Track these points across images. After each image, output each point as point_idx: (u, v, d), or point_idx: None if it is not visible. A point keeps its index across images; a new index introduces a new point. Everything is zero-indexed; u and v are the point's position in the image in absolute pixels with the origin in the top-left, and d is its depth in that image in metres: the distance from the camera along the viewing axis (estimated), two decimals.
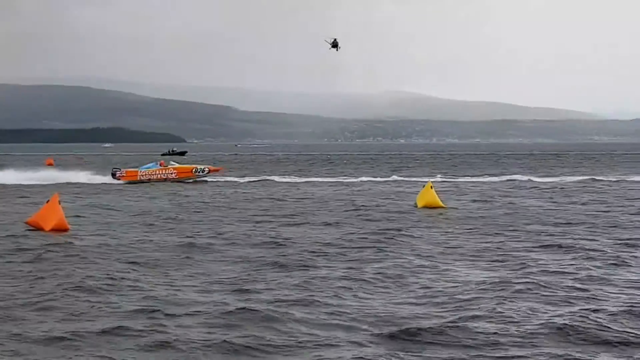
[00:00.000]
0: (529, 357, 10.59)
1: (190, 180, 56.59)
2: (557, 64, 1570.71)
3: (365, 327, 12.18)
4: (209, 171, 58.67)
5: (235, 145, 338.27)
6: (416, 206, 35.62)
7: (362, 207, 35.57)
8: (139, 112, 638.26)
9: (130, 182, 55.26)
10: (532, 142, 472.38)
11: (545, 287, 15.06)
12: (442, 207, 35.02)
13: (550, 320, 12.30)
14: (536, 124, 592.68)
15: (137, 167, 61.27)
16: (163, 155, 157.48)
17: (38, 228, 24.92)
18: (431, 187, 36.52)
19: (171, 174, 56.73)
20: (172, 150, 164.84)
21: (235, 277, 16.41)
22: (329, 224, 27.97)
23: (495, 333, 11.66)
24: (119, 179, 55.62)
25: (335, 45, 71.93)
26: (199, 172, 57.52)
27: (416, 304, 13.87)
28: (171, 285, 15.52)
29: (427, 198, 35.68)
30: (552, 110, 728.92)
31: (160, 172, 56.77)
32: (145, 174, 56.33)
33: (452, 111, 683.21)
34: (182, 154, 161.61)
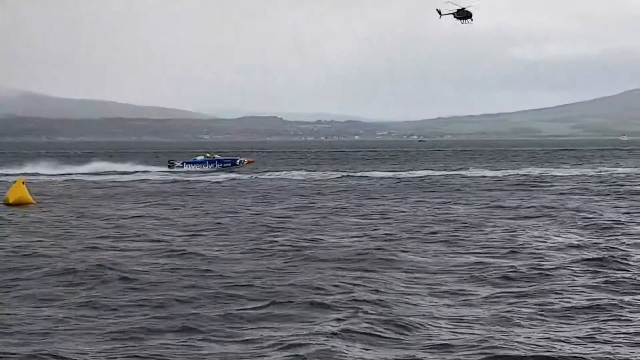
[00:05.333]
0: None
1: None
2: (165, 64, 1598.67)
3: None
4: None
5: None
6: (7, 203, 38.25)
7: None
8: None
9: None
10: (140, 140, 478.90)
11: None
12: (32, 203, 39.06)
13: None
14: (146, 122, 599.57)
15: None
16: None
17: None
18: (23, 183, 39.63)
19: None
20: None
21: None
22: None
23: None
24: None
25: (465, 16, 53.33)
26: None
27: None
28: None
29: (18, 194, 38.95)
30: (164, 109, 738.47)
31: None
32: None
33: (64, 109, 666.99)
34: None
